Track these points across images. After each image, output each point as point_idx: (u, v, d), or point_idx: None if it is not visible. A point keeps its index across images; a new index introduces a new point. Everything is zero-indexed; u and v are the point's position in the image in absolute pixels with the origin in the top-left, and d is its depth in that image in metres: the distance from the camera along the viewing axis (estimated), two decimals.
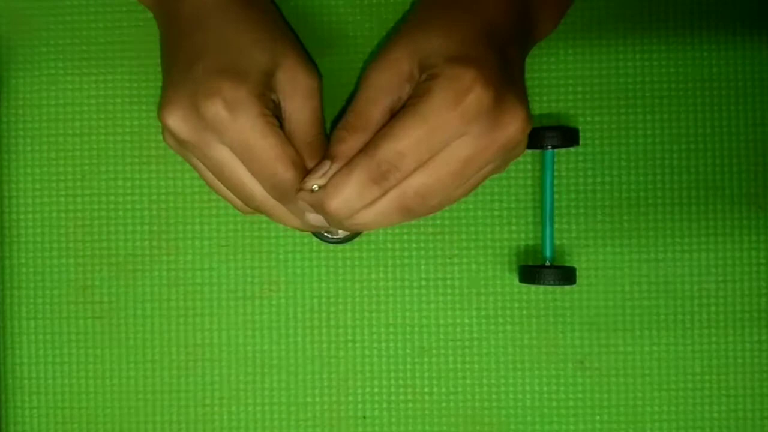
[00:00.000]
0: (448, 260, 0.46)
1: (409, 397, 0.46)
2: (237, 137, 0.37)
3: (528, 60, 0.45)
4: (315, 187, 0.37)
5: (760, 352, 0.45)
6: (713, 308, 0.46)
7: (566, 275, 0.44)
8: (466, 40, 0.38)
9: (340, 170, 0.37)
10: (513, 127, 0.37)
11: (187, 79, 0.38)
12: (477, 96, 0.36)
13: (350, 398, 0.46)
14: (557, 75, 0.45)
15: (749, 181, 0.45)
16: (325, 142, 0.40)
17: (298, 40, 0.43)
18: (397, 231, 0.46)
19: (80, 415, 0.46)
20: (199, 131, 0.38)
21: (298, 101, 0.40)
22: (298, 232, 0.46)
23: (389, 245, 0.46)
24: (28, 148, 0.46)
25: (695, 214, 0.46)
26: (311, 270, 0.46)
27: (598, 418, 0.46)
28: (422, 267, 0.46)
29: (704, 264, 0.46)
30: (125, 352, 0.46)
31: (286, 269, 0.46)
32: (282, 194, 0.39)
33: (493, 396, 0.46)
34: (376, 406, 0.46)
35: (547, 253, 0.44)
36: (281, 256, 0.46)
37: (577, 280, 0.45)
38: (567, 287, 0.45)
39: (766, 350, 0.45)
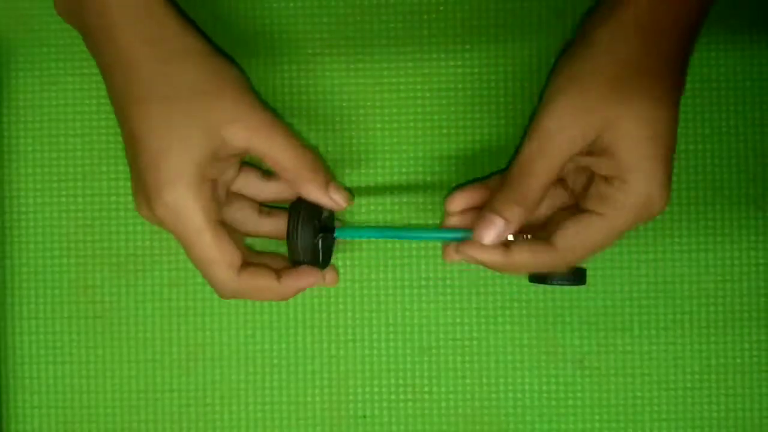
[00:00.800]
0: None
1: (409, 396, 0.46)
2: (181, 237, 0.39)
3: (526, 61, 0.45)
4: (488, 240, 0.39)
5: (759, 351, 0.46)
6: (712, 308, 0.46)
7: (577, 276, 0.44)
8: (660, 135, 0.37)
9: (521, 247, 0.39)
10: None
11: (134, 171, 0.40)
12: (659, 212, 0.38)
13: (350, 398, 0.46)
14: None
15: (749, 182, 0.45)
16: (317, 157, 0.42)
17: (238, 72, 0.42)
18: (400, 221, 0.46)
19: (80, 415, 0.46)
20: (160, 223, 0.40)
21: (275, 152, 0.40)
22: None
23: (389, 245, 0.46)
24: (29, 148, 0.46)
25: (695, 214, 0.46)
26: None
27: (597, 417, 0.46)
28: (422, 267, 0.46)
29: (704, 264, 0.46)
30: (125, 352, 0.46)
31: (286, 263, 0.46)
32: (228, 293, 0.41)
33: (493, 395, 0.46)
34: (376, 405, 0.46)
35: None
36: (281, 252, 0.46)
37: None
38: (567, 287, 0.46)
39: (765, 350, 0.46)
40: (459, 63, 0.45)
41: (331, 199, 0.41)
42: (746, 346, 0.46)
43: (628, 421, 0.46)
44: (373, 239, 0.46)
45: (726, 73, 0.45)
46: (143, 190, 0.39)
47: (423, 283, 0.46)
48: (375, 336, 0.46)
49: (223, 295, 0.41)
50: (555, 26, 0.45)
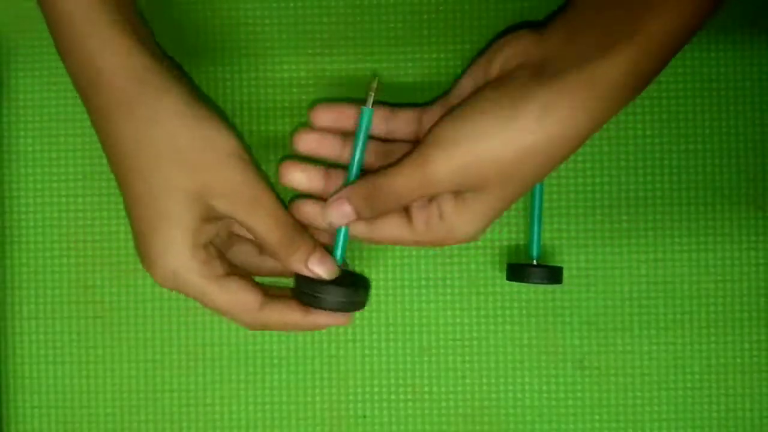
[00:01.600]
0: (447, 260, 0.46)
1: (409, 396, 0.46)
2: (190, 296, 0.41)
3: None
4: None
5: (759, 351, 0.46)
6: (712, 308, 0.46)
7: (552, 274, 0.44)
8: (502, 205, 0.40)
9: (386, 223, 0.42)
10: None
11: (136, 238, 0.40)
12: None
13: (350, 397, 0.46)
14: None
15: (749, 182, 0.45)
16: (298, 230, 0.42)
17: (226, 136, 0.40)
18: None
19: (80, 415, 0.46)
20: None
21: (256, 227, 0.40)
22: None
23: (389, 245, 0.46)
24: (29, 148, 0.46)
25: (694, 214, 0.46)
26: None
27: (597, 417, 0.46)
28: (422, 267, 0.46)
29: (703, 264, 0.46)
30: (126, 352, 0.46)
31: None
32: (255, 329, 0.42)
33: (493, 395, 0.46)
34: (376, 405, 0.46)
35: (534, 252, 0.45)
36: None
37: (576, 280, 0.45)
38: (567, 287, 0.46)
39: (765, 350, 0.46)
40: (459, 63, 0.45)
41: (311, 272, 0.42)
42: (746, 346, 0.46)
43: (628, 421, 0.46)
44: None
45: (726, 73, 0.45)
46: (141, 256, 0.40)
47: (423, 283, 0.46)
48: (375, 336, 0.46)
49: (251, 329, 0.43)
50: None
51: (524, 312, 0.46)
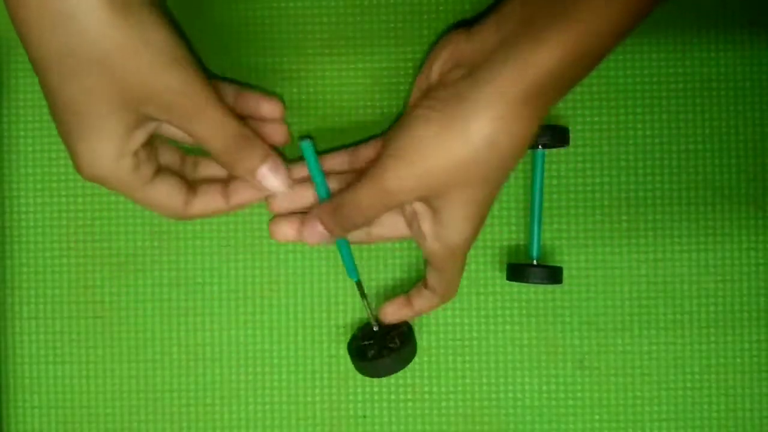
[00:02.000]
0: None
1: (409, 396, 0.46)
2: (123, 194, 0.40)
3: None
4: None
5: (759, 351, 0.46)
6: (712, 308, 0.46)
7: (552, 274, 0.44)
8: (479, 208, 0.39)
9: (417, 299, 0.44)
10: None
11: (63, 141, 0.38)
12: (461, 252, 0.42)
13: (350, 397, 0.46)
14: None
15: (749, 181, 0.46)
16: (248, 135, 0.40)
17: (162, 33, 0.36)
18: None
19: (80, 415, 0.46)
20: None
21: (198, 132, 0.38)
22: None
23: (389, 245, 0.46)
24: (29, 148, 0.46)
25: (694, 214, 0.46)
26: (311, 270, 0.46)
27: (597, 417, 0.46)
28: (422, 267, 0.46)
29: (703, 264, 0.46)
30: (125, 352, 0.46)
31: (286, 269, 0.46)
32: (184, 218, 0.42)
33: (493, 395, 0.46)
34: (376, 405, 0.46)
35: (534, 252, 0.45)
36: (281, 256, 0.46)
37: (577, 280, 0.45)
38: (567, 287, 0.46)
39: (765, 350, 0.46)
40: None
41: (260, 184, 0.41)
42: (746, 346, 0.46)
43: (628, 421, 0.46)
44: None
45: (726, 73, 0.45)
46: (71, 158, 0.38)
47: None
48: None
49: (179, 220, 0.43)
50: None
51: (524, 312, 0.46)
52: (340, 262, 0.46)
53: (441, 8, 0.45)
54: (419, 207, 0.40)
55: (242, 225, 0.46)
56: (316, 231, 0.42)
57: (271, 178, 0.41)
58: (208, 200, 0.42)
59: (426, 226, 0.40)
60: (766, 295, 0.46)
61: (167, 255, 0.46)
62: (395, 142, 0.39)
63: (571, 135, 0.45)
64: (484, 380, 0.46)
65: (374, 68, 0.46)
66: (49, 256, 0.46)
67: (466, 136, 0.36)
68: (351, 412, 0.46)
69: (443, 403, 0.46)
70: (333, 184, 0.43)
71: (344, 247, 0.44)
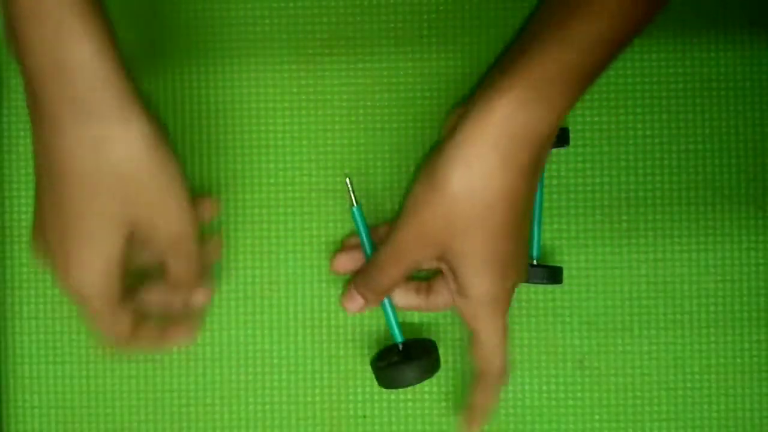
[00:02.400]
0: None
1: (409, 396, 0.46)
2: (81, 306, 0.39)
3: None
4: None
5: (759, 351, 0.46)
6: (712, 308, 0.46)
7: (552, 274, 0.44)
8: (496, 255, 0.40)
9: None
10: None
11: (48, 244, 0.38)
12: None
13: (350, 398, 0.46)
14: None
15: (749, 181, 0.46)
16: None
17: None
18: None
19: (80, 415, 0.46)
20: None
21: (174, 260, 0.39)
22: (298, 232, 0.46)
23: None
24: (29, 148, 0.46)
25: (694, 214, 0.46)
26: (311, 270, 0.46)
27: (597, 417, 0.46)
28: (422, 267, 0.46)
29: (703, 264, 0.46)
30: (125, 352, 0.46)
31: (286, 269, 0.46)
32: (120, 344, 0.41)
33: None
34: (376, 405, 0.46)
35: (534, 252, 0.45)
36: (281, 256, 0.46)
37: (576, 280, 0.45)
38: (567, 287, 0.46)
39: (765, 350, 0.46)
40: (459, 63, 0.45)
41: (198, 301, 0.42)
42: (746, 346, 0.46)
43: (628, 421, 0.46)
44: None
45: (726, 73, 0.45)
46: (51, 261, 0.38)
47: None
48: (375, 336, 0.46)
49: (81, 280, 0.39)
50: None
51: (524, 312, 0.46)
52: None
53: (441, 8, 0.45)
54: (443, 266, 0.41)
55: (242, 225, 0.46)
56: (355, 300, 0.43)
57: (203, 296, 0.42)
58: (148, 334, 0.41)
59: (450, 283, 0.41)
60: (766, 295, 0.46)
61: None
62: (404, 202, 0.40)
63: (571, 135, 0.45)
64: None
65: (374, 68, 0.46)
66: None
67: (444, 190, 0.38)
68: (351, 412, 0.46)
69: (443, 404, 0.46)
70: None
71: (388, 311, 0.44)
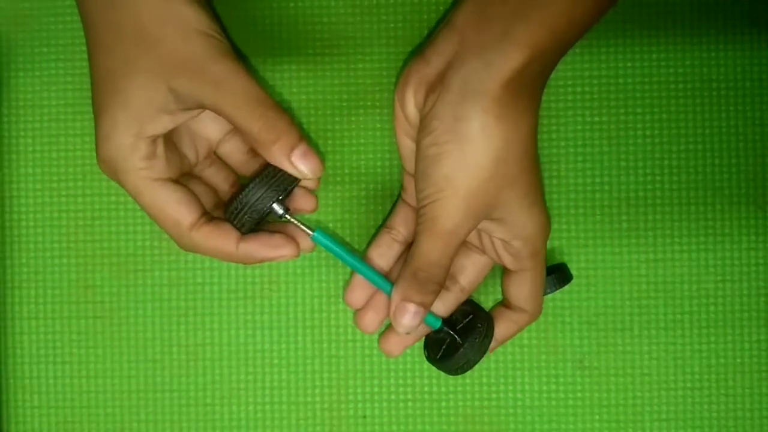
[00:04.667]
0: None
1: (409, 396, 0.46)
2: (128, 191, 0.39)
3: None
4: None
5: (759, 351, 0.46)
6: (712, 308, 0.46)
7: (562, 277, 0.44)
8: (533, 192, 0.40)
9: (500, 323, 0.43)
10: None
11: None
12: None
13: (350, 398, 0.46)
14: (556, 75, 0.45)
15: (749, 181, 0.46)
16: (283, 116, 0.39)
17: (197, 12, 0.38)
18: None
19: (80, 415, 0.46)
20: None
21: (230, 110, 0.38)
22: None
23: None
24: (29, 148, 0.46)
25: (694, 214, 0.46)
26: (311, 270, 0.46)
27: (597, 417, 0.46)
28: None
29: (703, 264, 0.46)
30: (125, 352, 0.46)
31: (286, 269, 0.46)
32: (183, 247, 0.41)
33: (493, 395, 0.46)
34: (376, 405, 0.46)
35: None
36: None
37: (576, 280, 0.45)
38: (567, 287, 0.46)
39: (765, 350, 0.46)
40: None
41: (293, 166, 0.39)
42: (746, 346, 0.46)
43: (628, 421, 0.46)
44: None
45: (726, 73, 0.45)
46: (95, 133, 0.39)
47: None
48: (375, 336, 0.46)
49: (180, 247, 0.41)
50: None
51: None
52: (340, 263, 0.46)
53: (441, 8, 0.45)
54: (485, 226, 0.41)
55: None
56: (411, 312, 0.40)
57: (302, 163, 0.39)
58: (220, 233, 0.40)
59: (499, 233, 0.41)
60: (766, 295, 0.46)
61: (167, 255, 0.46)
62: (428, 188, 0.39)
63: (571, 135, 0.45)
64: (484, 380, 0.46)
65: (374, 68, 0.46)
66: (49, 256, 0.46)
67: (477, 148, 0.37)
68: (351, 412, 0.46)
69: (443, 403, 0.46)
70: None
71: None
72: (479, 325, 0.42)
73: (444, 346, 0.43)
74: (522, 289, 0.42)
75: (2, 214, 0.46)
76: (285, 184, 0.40)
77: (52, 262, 0.46)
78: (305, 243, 0.42)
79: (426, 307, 0.40)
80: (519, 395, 0.46)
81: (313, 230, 0.41)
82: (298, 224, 0.41)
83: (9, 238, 0.46)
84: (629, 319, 0.46)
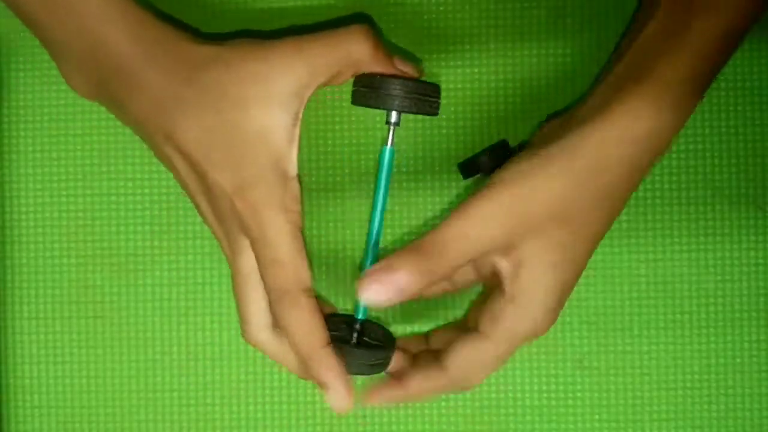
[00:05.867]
0: None
1: None
2: (257, 236, 0.39)
3: (527, 60, 0.45)
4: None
5: (759, 351, 0.46)
6: (712, 308, 0.46)
7: None
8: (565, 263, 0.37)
9: (414, 376, 0.40)
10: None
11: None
12: (541, 333, 0.39)
13: None
14: (556, 75, 0.45)
15: (749, 181, 0.46)
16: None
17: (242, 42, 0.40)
18: (397, 231, 0.46)
19: (80, 415, 0.46)
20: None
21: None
22: None
23: (389, 245, 0.46)
24: (29, 148, 0.46)
25: (694, 214, 0.46)
26: (311, 270, 0.46)
27: (597, 417, 0.46)
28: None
29: (703, 264, 0.46)
30: (125, 352, 0.46)
31: None
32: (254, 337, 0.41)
33: (493, 395, 0.46)
34: (376, 405, 0.46)
35: None
36: None
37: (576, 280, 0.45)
38: None
39: (765, 350, 0.46)
40: (459, 63, 0.45)
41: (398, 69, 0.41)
42: (746, 346, 0.46)
43: (628, 421, 0.46)
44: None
45: (726, 73, 0.45)
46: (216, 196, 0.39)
47: None
48: None
49: (249, 337, 0.40)
50: (555, 26, 0.45)
51: None
52: (340, 262, 0.46)
53: (441, 8, 0.45)
54: (501, 264, 0.37)
55: None
56: (393, 282, 0.35)
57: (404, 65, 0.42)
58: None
59: (499, 303, 0.38)
60: (766, 295, 0.46)
61: (167, 255, 0.46)
62: (479, 194, 0.36)
63: None
64: (484, 380, 0.46)
65: None
66: (49, 256, 0.46)
67: (554, 166, 0.36)
68: (351, 412, 0.46)
69: (443, 403, 0.46)
70: None
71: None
72: (378, 354, 0.40)
73: (343, 333, 0.41)
74: (465, 354, 0.38)
75: (2, 214, 0.46)
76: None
77: (52, 262, 0.46)
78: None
79: (412, 287, 0.36)
80: (519, 395, 0.46)
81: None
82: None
83: (9, 238, 0.46)
84: (629, 319, 0.46)
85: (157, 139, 0.39)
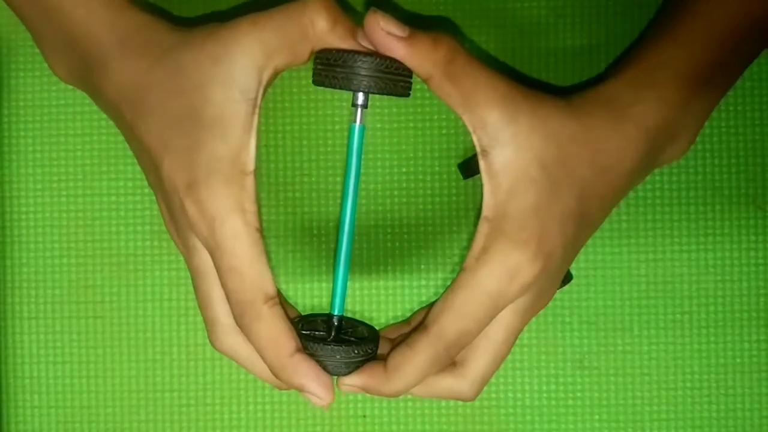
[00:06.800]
0: (448, 260, 0.46)
1: (409, 396, 0.46)
2: (212, 243, 0.36)
3: (526, 61, 0.45)
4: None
5: (759, 351, 0.46)
6: (712, 308, 0.46)
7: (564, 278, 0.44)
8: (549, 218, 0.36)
9: (403, 354, 0.37)
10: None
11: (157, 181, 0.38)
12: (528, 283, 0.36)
13: (350, 397, 0.46)
14: (556, 75, 0.45)
15: (749, 181, 0.46)
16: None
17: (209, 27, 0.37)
18: (396, 231, 0.46)
19: (80, 415, 0.46)
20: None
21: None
22: (298, 233, 0.46)
23: (389, 245, 0.46)
24: (29, 148, 0.46)
25: (694, 214, 0.46)
26: (311, 269, 0.46)
27: (597, 417, 0.46)
28: (422, 267, 0.46)
29: (703, 264, 0.46)
30: (125, 352, 0.46)
31: (286, 269, 0.46)
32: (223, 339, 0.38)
33: (493, 395, 0.46)
34: (376, 405, 0.46)
35: None
36: (281, 256, 0.46)
37: (576, 280, 0.45)
38: (567, 287, 0.46)
39: (765, 350, 0.46)
40: None
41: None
42: (746, 346, 0.46)
43: (628, 421, 0.46)
44: (372, 239, 0.46)
45: None
46: (170, 213, 0.37)
47: (423, 282, 0.46)
48: None
49: (218, 342, 0.38)
50: (555, 26, 0.45)
51: None
52: (315, 253, 0.46)
53: (441, 8, 0.45)
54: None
55: None
56: (411, 377, 0.37)
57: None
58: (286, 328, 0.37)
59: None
60: (766, 295, 0.46)
61: (167, 255, 0.46)
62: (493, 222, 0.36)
63: None
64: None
65: None
66: (49, 256, 0.46)
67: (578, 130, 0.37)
68: (351, 412, 0.46)
69: (443, 403, 0.46)
70: None
71: (343, 279, 0.39)
72: (358, 349, 0.38)
73: (321, 333, 0.40)
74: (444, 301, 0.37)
75: (2, 214, 0.46)
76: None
77: (52, 262, 0.46)
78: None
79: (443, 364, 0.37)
80: (519, 395, 0.46)
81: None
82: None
83: (9, 238, 0.46)
84: (629, 319, 0.46)
85: (124, 128, 0.38)
